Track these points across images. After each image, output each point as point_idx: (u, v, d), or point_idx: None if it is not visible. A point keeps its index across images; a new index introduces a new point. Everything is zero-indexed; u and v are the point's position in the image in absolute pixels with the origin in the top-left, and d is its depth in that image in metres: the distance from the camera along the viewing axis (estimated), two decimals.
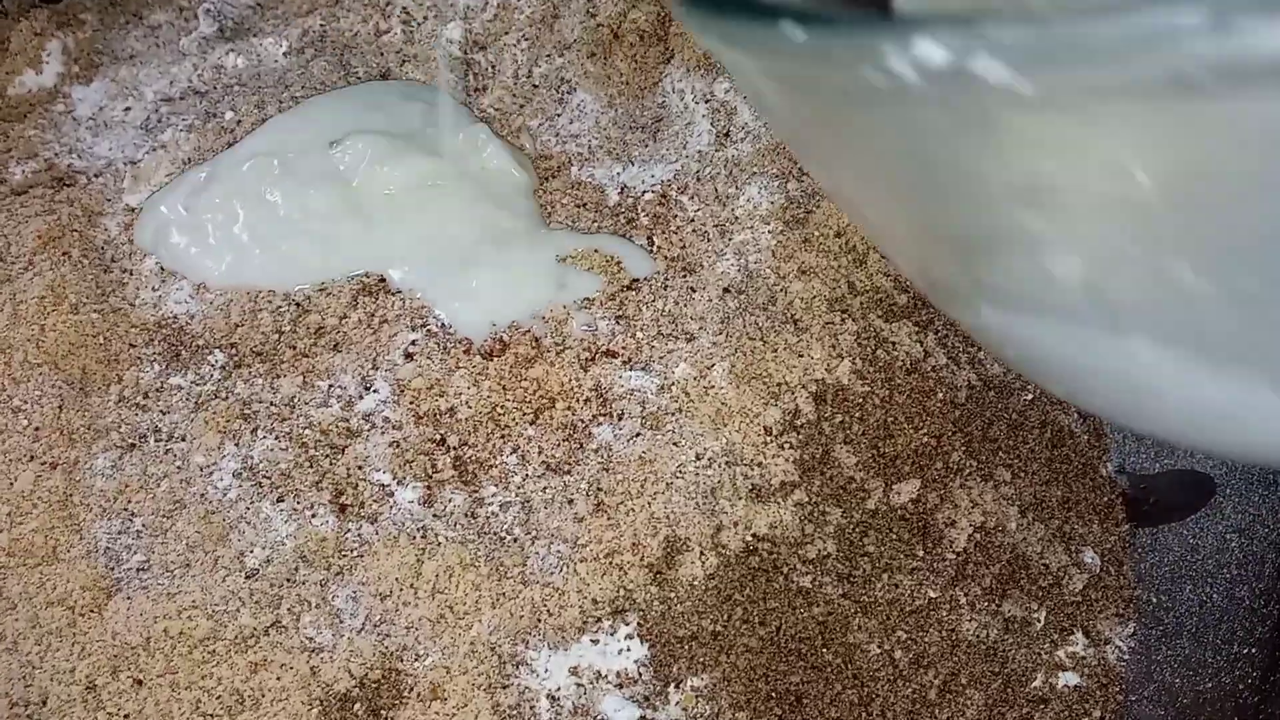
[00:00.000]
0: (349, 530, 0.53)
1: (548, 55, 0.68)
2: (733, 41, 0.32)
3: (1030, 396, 0.63)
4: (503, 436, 0.55)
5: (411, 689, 0.51)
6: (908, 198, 0.34)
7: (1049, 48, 0.24)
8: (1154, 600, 0.63)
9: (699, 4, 0.32)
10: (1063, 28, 0.23)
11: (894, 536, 0.56)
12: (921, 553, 0.57)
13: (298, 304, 0.59)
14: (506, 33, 0.70)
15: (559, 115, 0.67)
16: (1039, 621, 0.59)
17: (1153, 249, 0.29)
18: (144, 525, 0.53)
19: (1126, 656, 0.62)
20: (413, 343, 0.57)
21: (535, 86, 0.68)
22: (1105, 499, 0.65)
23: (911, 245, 0.39)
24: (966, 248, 0.35)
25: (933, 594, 0.57)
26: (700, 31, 0.33)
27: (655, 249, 0.61)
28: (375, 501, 0.53)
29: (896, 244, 0.41)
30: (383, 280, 0.60)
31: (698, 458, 0.54)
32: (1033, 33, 0.24)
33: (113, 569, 0.53)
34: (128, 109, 0.70)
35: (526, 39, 0.69)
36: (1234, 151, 0.25)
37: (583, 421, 0.55)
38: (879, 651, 0.55)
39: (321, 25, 0.72)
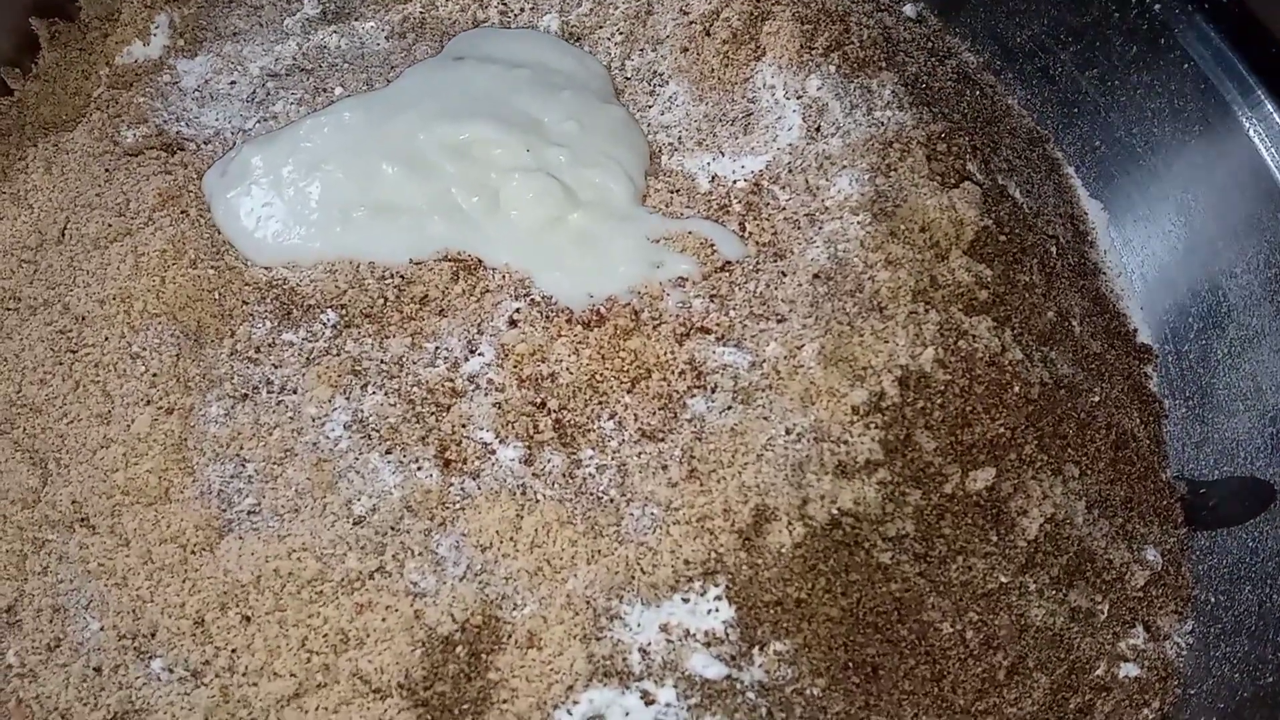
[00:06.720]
0: (452, 484, 0.55)
1: (641, 49, 0.71)
2: None
3: (1097, 399, 0.65)
4: (601, 403, 0.57)
5: (510, 636, 0.53)
6: None
7: None
8: (1213, 600, 0.64)
9: None
10: None
11: (969, 521, 0.58)
12: (994, 538, 0.58)
13: (402, 275, 0.61)
14: (601, 26, 0.72)
15: (650, 106, 0.69)
16: (1103, 613, 0.61)
17: None
18: (255, 471, 0.55)
19: (1185, 653, 0.63)
20: (516, 310, 0.59)
21: (628, 78, 0.70)
22: (1164, 502, 0.67)
23: None
24: None
25: (1004, 579, 0.58)
26: None
27: (747, 234, 0.63)
28: (478, 458, 0.55)
29: None
30: (480, 261, 0.62)
31: (787, 432, 0.56)
32: None
33: (224, 510, 0.55)
34: (233, 83, 0.72)
35: (620, 33, 0.72)
36: None
37: (677, 392, 0.57)
38: (951, 630, 0.57)
39: (421, 12, 0.75)
